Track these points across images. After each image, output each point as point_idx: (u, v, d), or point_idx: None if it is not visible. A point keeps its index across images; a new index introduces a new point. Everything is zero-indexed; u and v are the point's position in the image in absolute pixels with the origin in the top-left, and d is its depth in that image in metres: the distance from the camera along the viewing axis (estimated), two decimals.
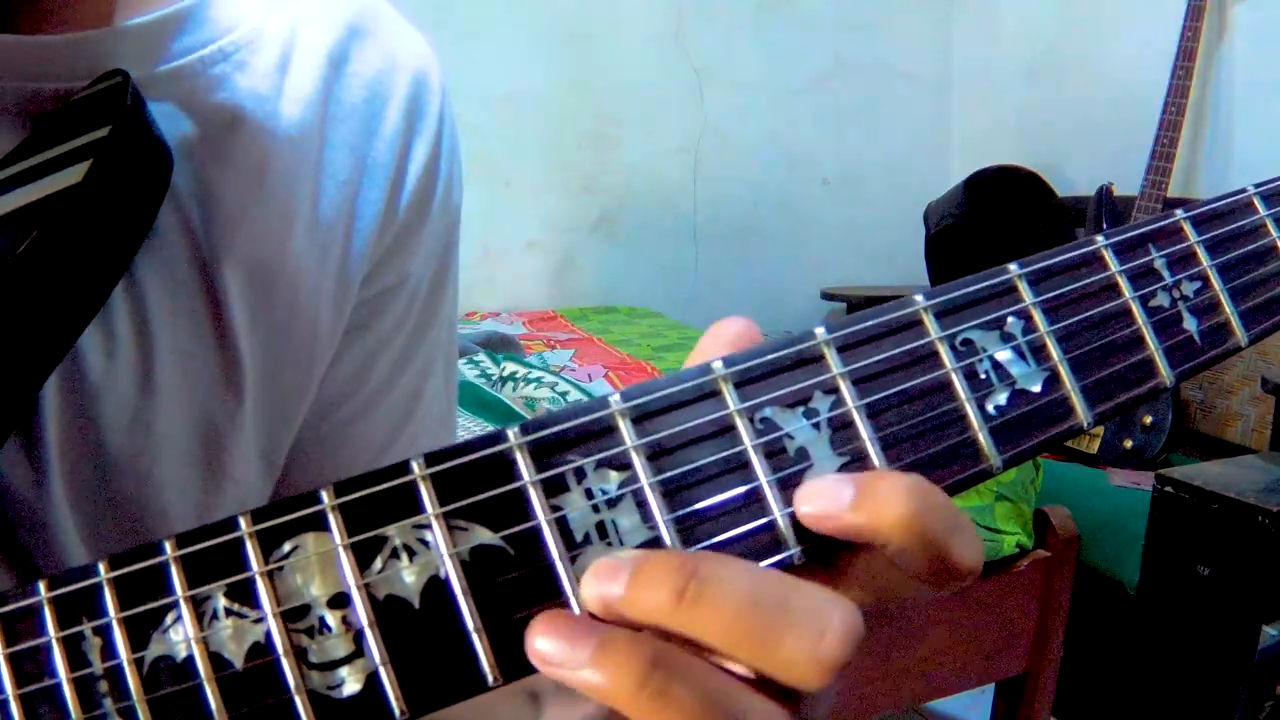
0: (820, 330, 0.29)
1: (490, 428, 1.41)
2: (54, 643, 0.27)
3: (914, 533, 0.26)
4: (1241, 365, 2.23)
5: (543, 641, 0.25)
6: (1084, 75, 2.61)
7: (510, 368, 1.79)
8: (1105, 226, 2.27)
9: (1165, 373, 0.30)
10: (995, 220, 2.55)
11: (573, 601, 0.26)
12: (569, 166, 2.61)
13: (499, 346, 2.01)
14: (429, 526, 0.27)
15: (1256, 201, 0.33)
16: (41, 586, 0.27)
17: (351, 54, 0.47)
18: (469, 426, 1.63)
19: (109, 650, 0.27)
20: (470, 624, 0.26)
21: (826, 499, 0.26)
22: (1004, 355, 0.29)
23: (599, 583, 0.26)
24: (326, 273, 0.46)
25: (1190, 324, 0.31)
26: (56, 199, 0.34)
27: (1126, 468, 2.09)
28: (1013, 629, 1.73)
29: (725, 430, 0.28)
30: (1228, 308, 0.31)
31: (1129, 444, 2.12)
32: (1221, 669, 1.59)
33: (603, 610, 0.26)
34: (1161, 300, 0.31)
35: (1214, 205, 0.33)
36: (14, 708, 0.27)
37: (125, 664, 0.27)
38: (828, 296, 2.70)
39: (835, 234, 2.84)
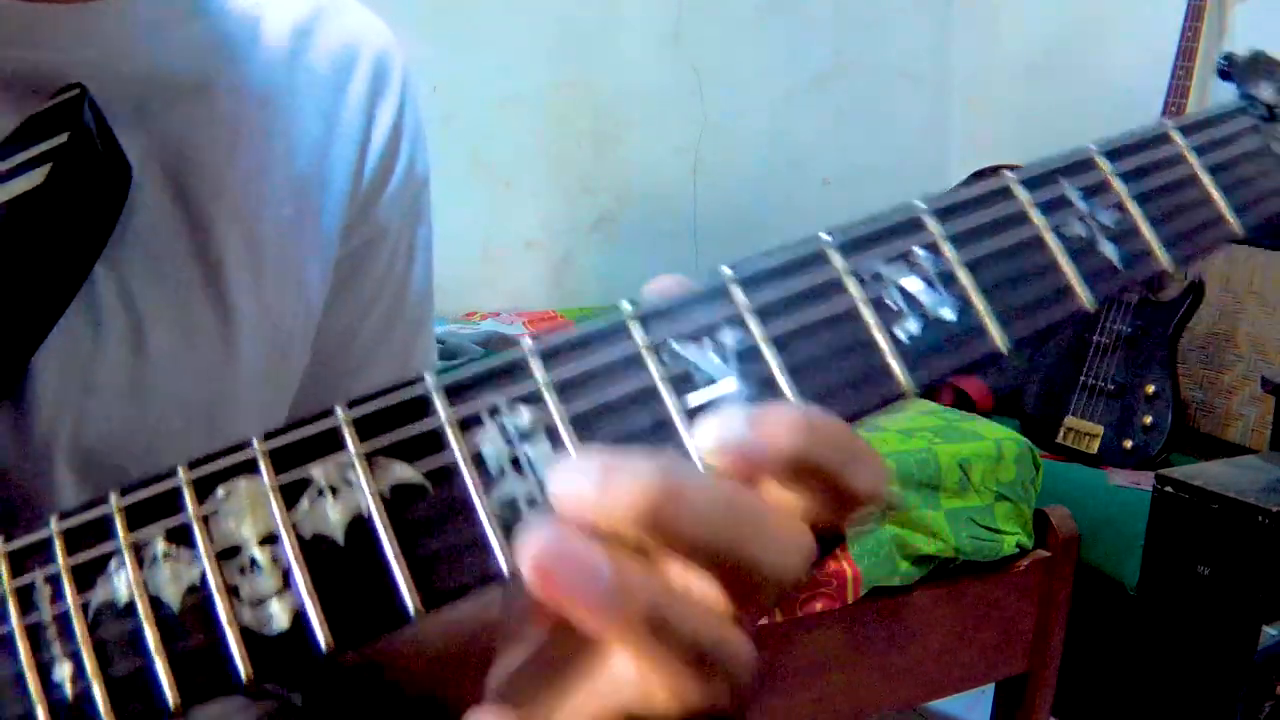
0: (725, 269, 0.29)
1: None
2: (7, 593, 0.28)
3: (806, 463, 0.26)
4: (1242, 365, 2.23)
5: (555, 558, 0.24)
6: (1084, 75, 2.61)
7: None
8: None
9: (1085, 296, 0.30)
10: None
11: (489, 533, 0.27)
12: (569, 166, 2.61)
13: (499, 346, 2.01)
14: (352, 466, 0.27)
15: (1174, 133, 0.33)
16: None
17: (316, 29, 0.51)
18: None
19: (57, 598, 0.28)
20: (392, 557, 0.27)
21: (719, 432, 0.26)
22: (913, 285, 0.29)
23: (570, 481, 0.25)
24: (306, 228, 0.49)
25: (1108, 249, 0.31)
26: (22, 199, 0.36)
27: (1126, 468, 2.09)
28: (1013, 629, 1.73)
29: (633, 364, 0.28)
30: (1148, 233, 0.31)
31: (1129, 444, 2.12)
32: (1221, 669, 1.59)
33: (574, 510, 0.25)
34: (1078, 230, 0.31)
35: (1127, 138, 0.33)
36: None
37: (72, 610, 0.28)
38: None
39: None
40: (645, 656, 0.25)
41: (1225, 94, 0.40)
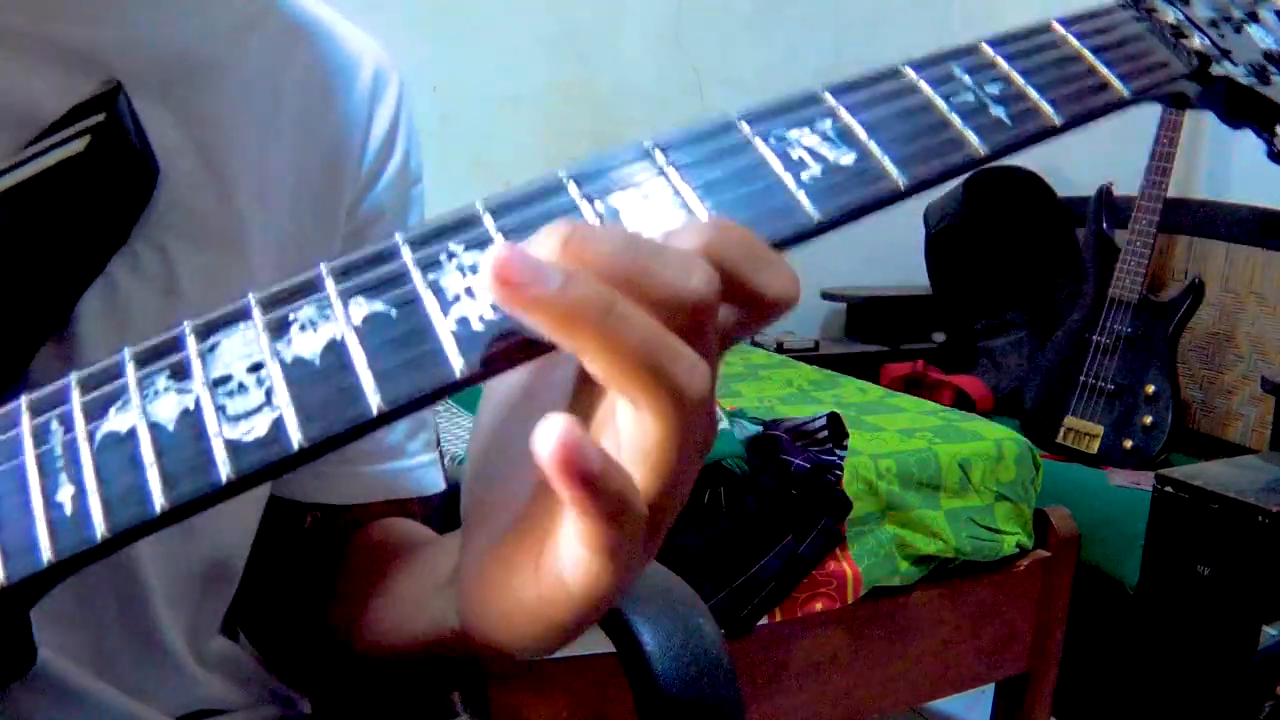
0: (647, 140, 0.33)
1: None
2: (24, 432, 0.33)
3: (715, 260, 0.29)
4: (1242, 365, 2.23)
5: (509, 266, 0.27)
6: None
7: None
8: (1105, 227, 2.28)
9: (975, 143, 0.34)
10: (995, 220, 2.55)
11: (445, 346, 0.30)
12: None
13: None
14: (330, 305, 0.32)
15: (1055, 24, 0.38)
16: (22, 398, 0.34)
17: (317, 33, 0.57)
18: (468, 426, 1.63)
19: (68, 430, 0.32)
20: (360, 370, 0.31)
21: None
22: (814, 141, 0.34)
23: (493, 259, 0.28)
24: (318, 201, 0.55)
25: (998, 110, 0.35)
26: (67, 163, 0.42)
27: (1126, 468, 2.09)
28: (1013, 629, 1.74)
29: (570, 212, 0.32)
30: (1034, 95, 0.35)
31: (1129, 444, 2.12)
32: (1221, 669, 1.59)
33: (510, 254, 0.28)
34: (966, 97, 0.35)
35: (1009, 32, 0.37)
36: None
37: (79, 438, 0.32)
38: (827, 296, 2.70)
39: (835, 234, 2.83)
40: (605, 355, 0.27)
41: None
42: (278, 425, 0.30)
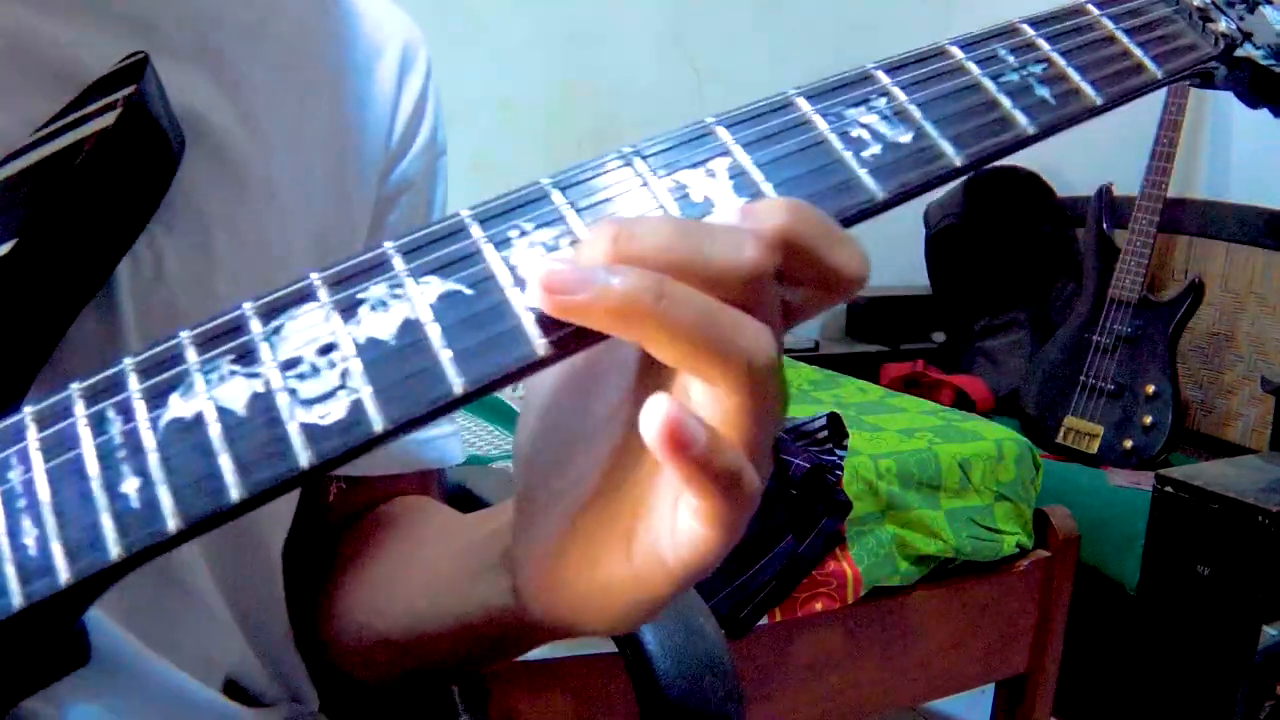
0: (709, 118, 0.34)
1: (493, 429, 1.40)
2: (78, 422, 0.31)
3: (791, 239, 0.30)
4: (1242, 365, 2.23)
5: (555, 276, 0.28)
6: None
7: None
8: (1105, 227, 2.28)
9: (1024, 123, 0.35)
10: (995, 220, 2.55)
11: (524, 324, 0.30)
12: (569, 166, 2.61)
13: None
14: (401, 284, 0.31)
15: (1089, 6, 0.39)
16: (74, 384, 0.32)
17: (349, 5, 0.58)
18: (469, 427, 1.63)
19: (128, 420, 0.31)
20: (437, 349, 0.30)
21: (719, 220, 0.31)
22: (870, 119, 0.34)
23: (538, 276, 0.29)
24: (347, 166, 0.55)
25: (1042, 91, 0.36)
26: (103, 134, 0.42)
27: (1126, 468, 2.09)
28: (1013, 629, 1.74)
29: (639, 189, 0.33)
30: (1075, 77, 0.37)
31: (1129, 444, 2.12)
32: (1221, 669, 1.59)
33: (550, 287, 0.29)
34: (1011, 78, 0.36)
35: (1047, 12, 0.38)
36: (41, 488, 0.31)
37: (140, 427, 0.31)
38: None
39: None
40: (666, 339, 0.28)
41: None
42: (357, 408, 0.30)
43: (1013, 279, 2.57)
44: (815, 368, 2.20)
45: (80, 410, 0.32)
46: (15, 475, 0.31)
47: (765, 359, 0.29)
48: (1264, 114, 0.45)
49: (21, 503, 0.31)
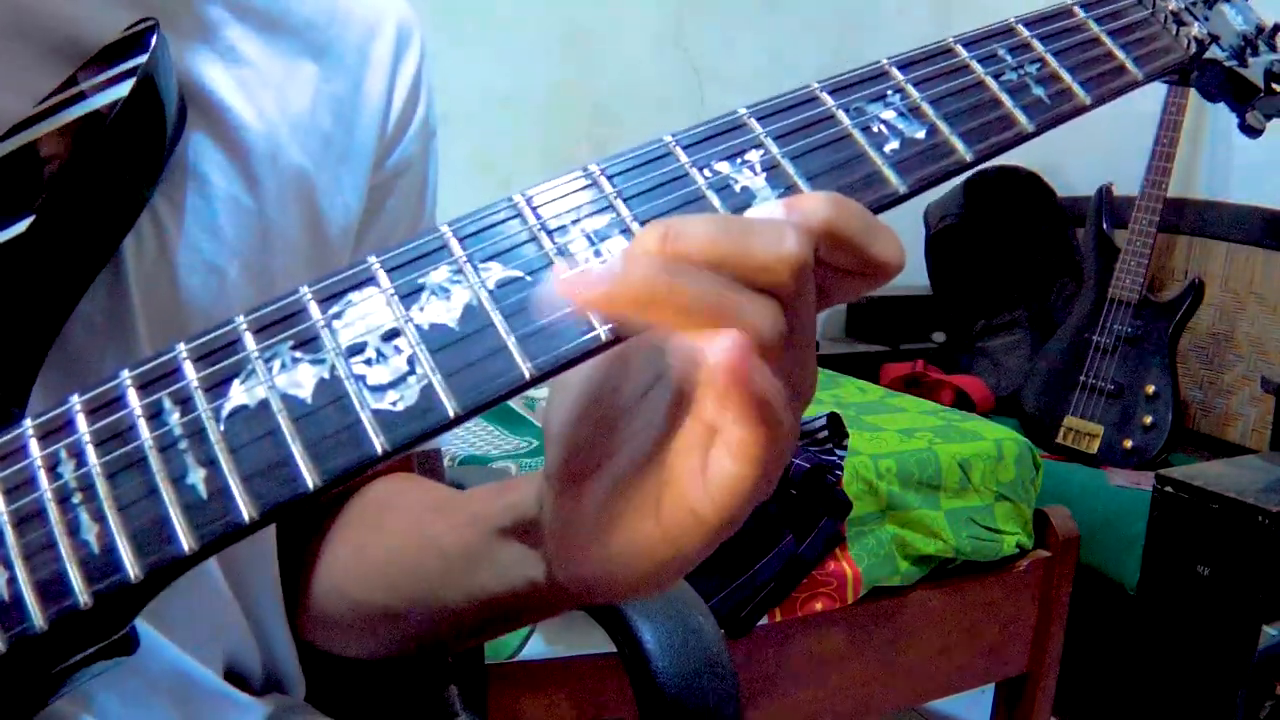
0: (741, 108, 0.36)
1: (492, 428, 1.40)
2: (136, 413, 0.31)
3: (835, 231, 0.32)
4: (1241, 365, 2.23)
5: (575, 277, 0.30)
6: None
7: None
8: (1105, 227, 2.28)
9: (1024, 121, 0.38)
10: (995, 220, 2.55)
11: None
12: (569, 166, 2.60)
13: None
14: (460, 271, 0.32)
15: (1076, 9, 0.42)
16: (124, 372, 0.32)
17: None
18: (469, 427, 1.63)
19: (189, 410, 0.31)
20: (503, 333, 0.31)
21: (765, 213, 0.32)
22: (889, 115, 0.36)
23: (554, 287, 0.31)
24: (321, 138, 0.55)
25: (1038, 90, 0.38)
26: (112, 106, 0.42)
27: (1126, 468, 2.09)
28: (1013, 629, 1.73)
29: (682, 178, 0.34)
30: (1067, 77, 0.39)
31: (1129, 444, 2.12)
32: (1221, 669, 1.59)
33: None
34: (1010, 77, 0.38)
35: (1038, 13, 0.41)
36: (99, 482, 0.30)
37: (205, 418, 0.31)
38: (823, 309, 2.70)
39: None
40: (673, 318, 0.30)
41: None
42: (428, 394, 0.30)
43: (1013, 279, 2.57)
44: (818, 373, 2.20)
45: (135, 400, 0.32)
46: (69, 469, 0.31)
47: (769, 331, 0.30)
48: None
49: (79, 498, 0.31)
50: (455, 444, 1.52)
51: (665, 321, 0.30)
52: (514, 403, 1.68)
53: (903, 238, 0.33)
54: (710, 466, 0.32)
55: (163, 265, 0.47)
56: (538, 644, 1.32)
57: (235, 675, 0.53)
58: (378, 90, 0.58)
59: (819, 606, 1.51)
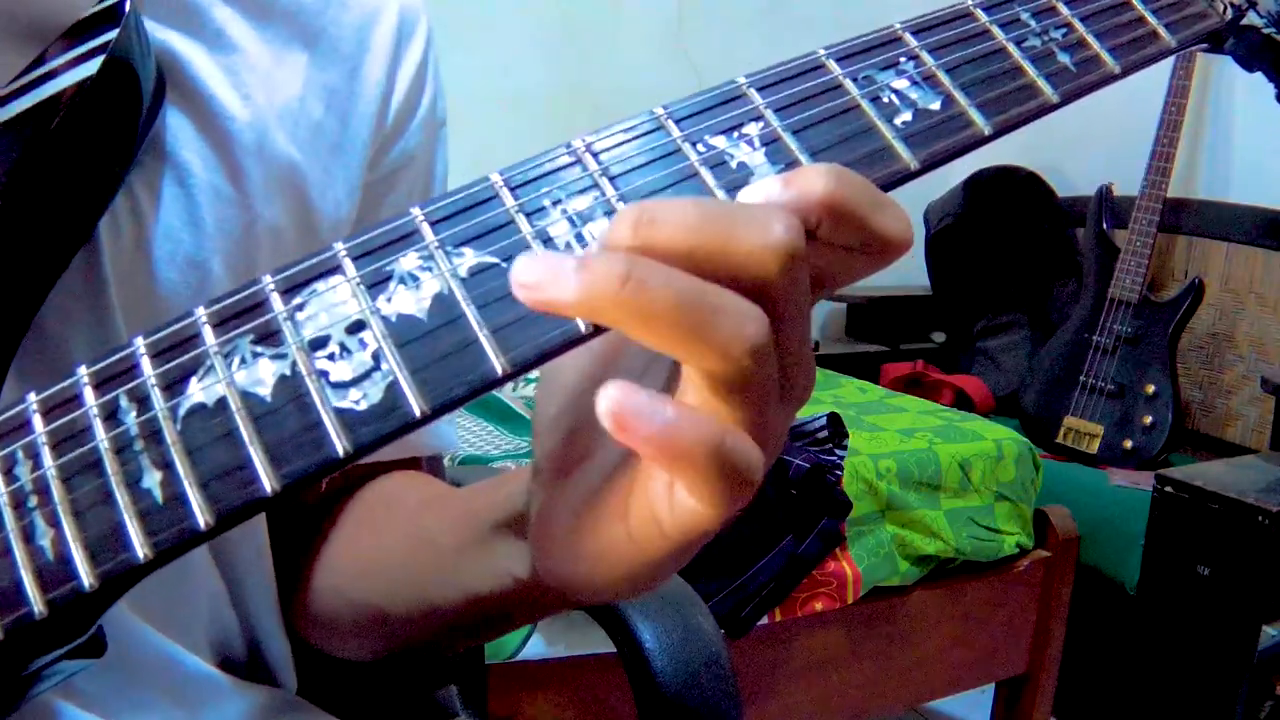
0: (741, 77, 0.33)
1: (492, 428, 1.40)
2: (92, 413, 0.30)
3: (836, 205, 0.29)
4: (1242, 365, 2.23)
5: (526, 270, 0.27)
6: None
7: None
8: (1105, 226, 2.28)
9: (1048, 91, 0.35)
10: (995, 220, 2.55)
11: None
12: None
13: None
14: (430, 256, 0.30)
15: None
16: (82, 368, 0.30)
17: None
18: (469, 427, 1.63)
19: (145, 409, 0.29)
20: (474, 325, 0.29)
21: (760, 189, 0.30)
22: (901, 84, 0.34)
23: (511, 273, 0.28)
24: (311, 129, 0.53)
25: (1063, 58, 0.36)
26: (82, 83, 0.40)
27: (1126, 468, 2.09)
28: (1013, 629, 1.73)
29: (673, 154, 0.32)
30: (1095, 44, 0.36)
31: (1129, 444, 2.12)
32: (1221, 669, 1.59)
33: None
34: (1033, 43, 0.36)
35: None
36: (55, 485, 0.29)
37: (160, 418, 0.29)
38: (828, 296, 2.70)
39: None
40: (636, 324, 0.27)
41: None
42: (393, 391, 0.28)
43: (1012, 279, 2.57)
44: (815, 368, 2.20)
45: (91, 398, 0.30)
46: (25, 471, 0.30)
47: (743, 344, 0.27)
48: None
49: (34, 501, 0.29)
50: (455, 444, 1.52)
51: (631, 333, 0.27)
52: (514, 403, 1.68)
53: None
54: (676, 491, 0.30)
55: (141, 257, 0.45)
56: (538, 644, 1.32)
57: (224, 663, 0.53)
58: (376, 79, 0.55)
59: (819, 606, 1.50)
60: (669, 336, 0.27)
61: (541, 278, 0.27)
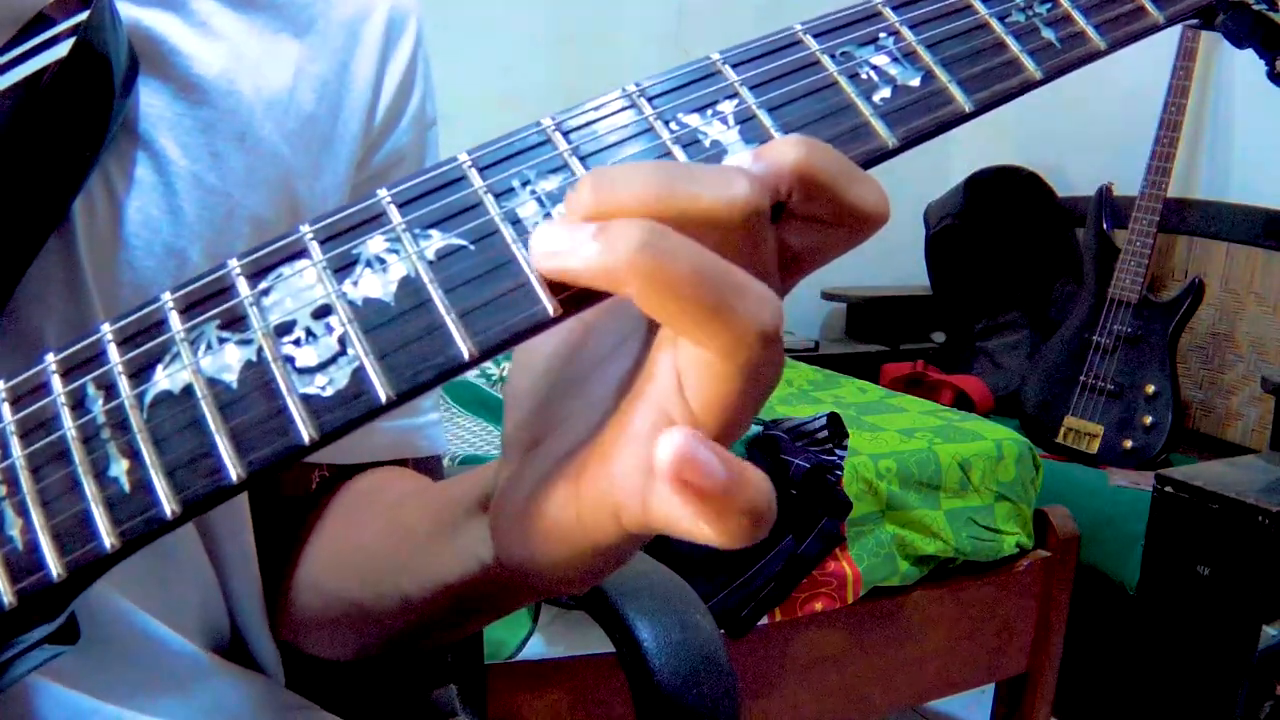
0: (715, 53, 0.33)
1: (492, 428, 1.40)
2: (59, 400, 0.29)
3: (808, 175, 0.29)
4: (1242, 365, 2.23)
5: (547, 239, 0.27)
6: (1084, 75, 2.58)
7: (510, 368, 1.79)
8: (1105, 227, 2.28)
9: (1031, 67, 0.34)
10: (995, 220, 2.55)
11: (532, 281, 0.29)
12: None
13: None
14: (397, 238, 0.29)
15: None
16: (49, 356, 0.30)
17: None
18: (469, 427, 1.63)
19: (111, 396, 0.29)
20: (440, 310, 0.29)
21: (730, 163, 0.30)
22: (880, 60, 0.33)
23: (541, 232, 0.28)
24: (299, 122, 0.52)
25: (1048, 34, 0.35)
26: (55, 66, 0.40)
27: (1126, 468, 2.09)
28: (1013, 629, 1.73)
29: (645, 132, 0.31)
30: (1080, 19, 0.35)
31: (1129, 444, 2.12)
32: (1221, 669, 1.59)
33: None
34: (1017, 18, 0.35)
35: None
36: (23, 475, 0.29)
37: (127, 405, 0.29)
38: (828, 297, 2.70)
39: None
40: (658, 295, 0.26)
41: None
42: (359, 376, 0.28)
43: (1013, 279, 2.57)
44: (815, 368, 2.20)
45: (59, 386, 0.30)
46: None
47: (766, 326, 0.26)
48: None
49: (3, 491, 0.29)
50: (455, 444, 1.52)
51: (648, 304, 0.27)
52: None
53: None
54: (652, 496, 0.29)
55: (117, 244, 0.45)
56: (538, 644, 1.32)
57: (214, 650, 0.53)
58: (365, 75, 0.55)
59: (819, 606, 1.50)
60: (686, 311, 0.26)
61: (561, 245, 0.27)
